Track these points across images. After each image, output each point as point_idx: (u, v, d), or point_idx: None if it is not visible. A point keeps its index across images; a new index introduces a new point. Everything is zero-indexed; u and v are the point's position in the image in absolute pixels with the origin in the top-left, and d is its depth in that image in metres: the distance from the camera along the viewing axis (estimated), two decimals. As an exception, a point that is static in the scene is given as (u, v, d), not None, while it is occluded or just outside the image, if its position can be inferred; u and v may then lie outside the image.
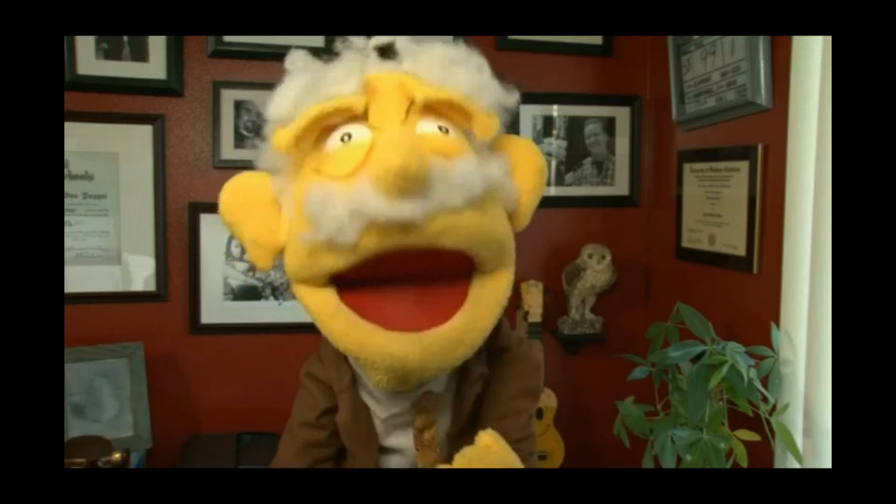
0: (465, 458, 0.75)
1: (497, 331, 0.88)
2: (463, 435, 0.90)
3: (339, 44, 0.83)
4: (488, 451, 0.76)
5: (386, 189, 0.65)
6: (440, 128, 0.76)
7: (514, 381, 0.91)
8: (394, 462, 0.93)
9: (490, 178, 0.75)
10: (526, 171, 0.85)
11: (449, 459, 0.89)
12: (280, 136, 0.75)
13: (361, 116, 0.75)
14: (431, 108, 0.76)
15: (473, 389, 0.88)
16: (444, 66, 0.77)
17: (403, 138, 0.67)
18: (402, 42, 0.82)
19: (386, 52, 0.83)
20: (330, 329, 0.76)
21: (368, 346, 0.72)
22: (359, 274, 0.73)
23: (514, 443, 0.85)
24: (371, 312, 0.73)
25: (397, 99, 0.76)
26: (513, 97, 0.83)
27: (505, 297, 0.81)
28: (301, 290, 0.78)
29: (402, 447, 0.91)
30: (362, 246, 0.69)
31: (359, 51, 0.83)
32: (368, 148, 0.71)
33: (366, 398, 0.89)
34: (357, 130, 0.74)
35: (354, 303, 0.74)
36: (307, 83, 0.75)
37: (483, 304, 0.78)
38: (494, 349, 0.91)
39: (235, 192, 0.82)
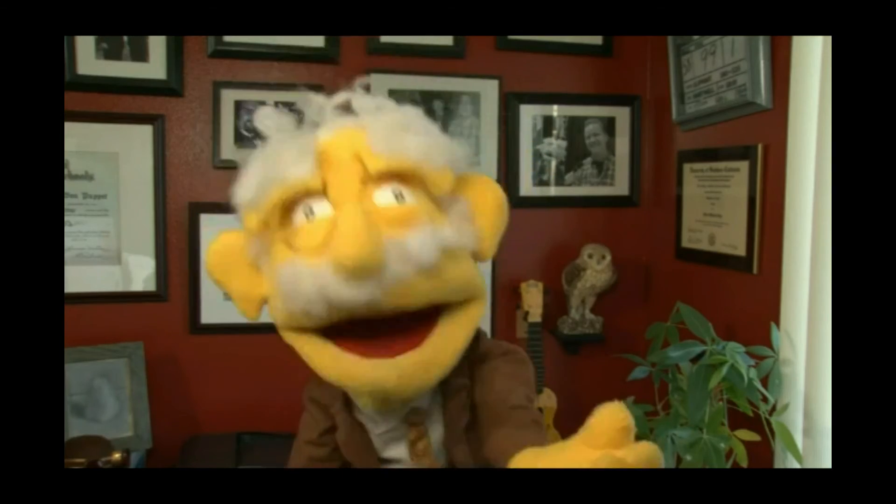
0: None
1: (476, 343, 0.93)
2: (457, 443, 0.95)
3: (300, 102, 0.90)
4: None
5: (345, 277, 0.73)
6: (395, 195, 0.81)
7: (500, 377, 0.94)
8: None
9: (445, 242, 0.80)
10: (486, 208, 0.91)
11: (446, 466, 0.95)
12: (249, 221, 0.83)
13: (320, 191, 0.81)
14: (385, 176, 0.82)
15: (457, 400, 0.93)
16: (393, 133, 0.82)
17: (358, 228, 0.73)
18: (358, 101, 0.88)
19: (347, 108, 0.89)
20: (316, 364, 0.83)
21: (351, 374, 0.80)
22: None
23: (514, 409, 0.89)
24: (352, 345, 0.80)
25: (352, 171, 0.81)
26: (463, 150, 0.89)
27: (477, 319, 0.88)
28: (287, 335, 0.86)
29: (399, 458, 0.95)
30: (332, 316, 0.77)
31: (318, 109, 0.89)
32: (330, 225, 0.77)
33: (360, 417, 0.95)
34: (318, 205, 0.81)
35: (336, 338, 0.81)
36: (265, 171, 0.82)
37: (455, 326, 0.84)
38: (475, 359, 0.94)
39: (219, 256, 0.89)
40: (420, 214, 0.81)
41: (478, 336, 0.93)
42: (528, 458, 0.71)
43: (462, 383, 0.92)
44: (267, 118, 0.88)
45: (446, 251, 0.80)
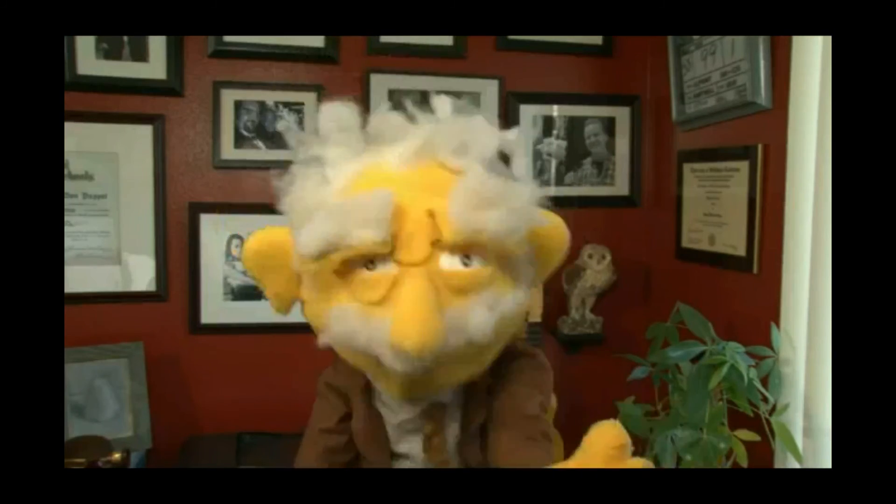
0: None
1: None
2: (471, 443, 0.94)
3: (374, 116, 0.85)
4: None
5: (401, 359, 0.73)
6: (463, 261, 0.78)
7: (519, 381, 0.93)
8: (403, 467, 0.96)
9: (504, 313, 0.79)
10: (549, 253, 0.91)
11: (458, 465, 0.95)
12: (306, 266, 0.80)
13: (388, 253, 0.77)
14: (458, 246, 0.78)
15: (478, 398, 0.92)
16: (476, 205, 0.76)
17: (422, 313, 0.72)
18: (442, 137, 0.82)
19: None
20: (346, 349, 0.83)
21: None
22: None
23: (527, 418, 0.89)
24: None
25: (423, 231, 0.77)
26: (538, 210, 0.85)
27: (519, 316, 0.87)
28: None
29: (412, 453, 0.94)
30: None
31: (392, 128, 0.85)
32: (392, 282, 0.76)
33: (378, 405, 0.93)
34: (381, 262, 0.77)
35: None
36: (334, 227, 0.75)
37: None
38: (498, 356, 0.92)
39: (260, 256, 0.86)
40: (484, 279, 0.78)
41: None
42: None
43: (484, 380, 0.91)
44: (331, 118, 0.83)
45: (504, 319, 0.79)
